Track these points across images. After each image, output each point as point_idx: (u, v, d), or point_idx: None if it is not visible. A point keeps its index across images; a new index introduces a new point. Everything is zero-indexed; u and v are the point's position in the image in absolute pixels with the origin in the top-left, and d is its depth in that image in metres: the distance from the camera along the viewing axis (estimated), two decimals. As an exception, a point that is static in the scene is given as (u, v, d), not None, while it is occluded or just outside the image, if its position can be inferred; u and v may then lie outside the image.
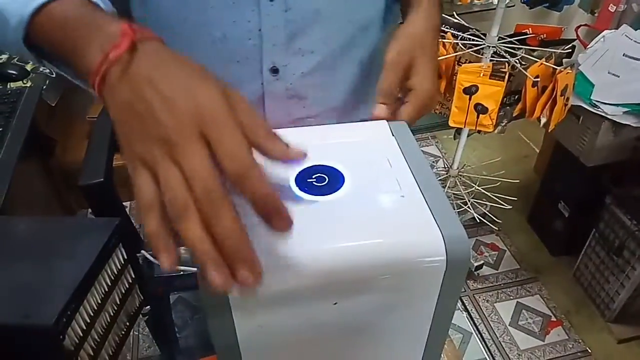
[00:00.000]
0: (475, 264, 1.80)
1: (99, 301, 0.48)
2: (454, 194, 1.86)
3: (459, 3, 1.48)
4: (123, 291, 0.53)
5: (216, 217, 0.27)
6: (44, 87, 1.42)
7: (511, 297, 1.79)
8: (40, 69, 1.47)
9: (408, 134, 0.43)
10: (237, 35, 0.53)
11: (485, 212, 1.84)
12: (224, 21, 0.52)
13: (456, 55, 1.48)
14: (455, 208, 1.85)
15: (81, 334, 0.45)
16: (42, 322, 0.40)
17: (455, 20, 1.56)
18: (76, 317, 0.44)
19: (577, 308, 1.74)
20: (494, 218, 1.87)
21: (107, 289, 0.50)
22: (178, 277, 0.71)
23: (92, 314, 0.47)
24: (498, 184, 1.89)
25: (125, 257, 0.53)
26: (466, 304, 1.76)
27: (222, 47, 0.53)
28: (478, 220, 1.80)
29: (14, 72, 1.44)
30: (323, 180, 0.36)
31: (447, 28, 1.54)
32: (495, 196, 1.82)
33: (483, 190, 1.83)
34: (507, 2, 1.43)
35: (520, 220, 2.02)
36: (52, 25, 0.38)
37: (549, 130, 1.52)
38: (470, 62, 1.55)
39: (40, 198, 1.79)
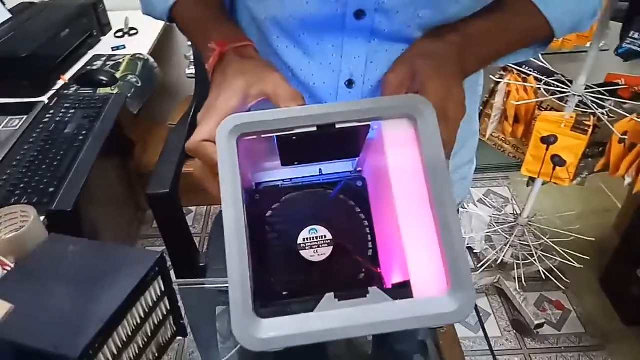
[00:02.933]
0: (536, 322, 1.68)
1: (130, 333, 0.49)
2: (520, 243, 1.76)
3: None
4: (156, 323, 0.54)
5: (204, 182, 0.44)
6: (129, 95, 1.51)
7: (571, 363, 1.65)
8: (128, 78, 1.57)
9: None
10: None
11: (552, 267, 1.72)
12: None
13: (537, 101, 1.41)
14: (521, 259, 1.74)
15: (106, 366, 0.46)
16: (68, 354, 0.41)
17: (540, 64, 1.49)
18: (103, 350, 0.45)
19: (647, 388, 1.58)
20: (562, 276, 1.74)
21: (139, 321, 0.51)
22: (225, 291, 0.72)
23: (120, 346, 0.48)
24: (571, 238, 1.76)
25: (163, 289, 0.54)
26: (520, 364, 1.65)
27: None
28: (544, 276, 1.69)
29: (105, 78, 1.54)
30: None
31: (530, 71, 1.47)
32: (565, 252, 1.70)
33: (553, 245, 1.71)
34: (600, 46, 1.34)
35: (591, 280, 1.87)
36: (181, 23, 0.60)
37: (634, 192, 1.40)
38: (553, 108, 1.46)
39: (117, 195, 1.91)
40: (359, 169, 0.50)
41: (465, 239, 1.78)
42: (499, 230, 1.78)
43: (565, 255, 1.68)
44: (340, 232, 0.46)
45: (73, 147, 1.22)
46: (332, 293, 0.40)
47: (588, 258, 1.68)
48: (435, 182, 0.40)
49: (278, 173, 0.50)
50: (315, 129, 0.41)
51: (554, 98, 1.39)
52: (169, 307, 0.56)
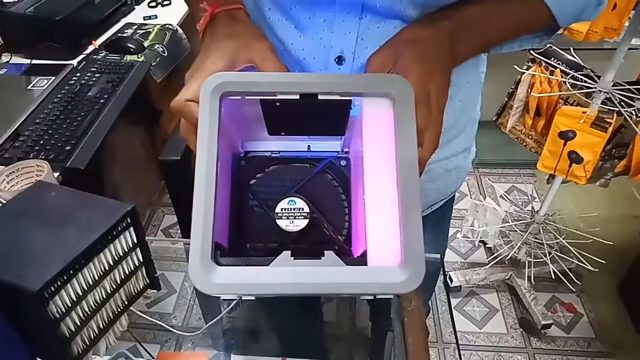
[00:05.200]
0: (543, 322, 1.64)
1: (97, 277, 0.52)
2: (535, 241, 1.72)
3: (576, 39, 1.34)
4: (127, 272, 0.57)
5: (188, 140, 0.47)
6: (154, 63, 1.55)
7: (577, 368, 1.62)
8: (155, 47, 1.61)
9: None
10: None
11: (565, 269, 1.67)
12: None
13: (560, 95, 1.36)
14: (533, 257, 1.70)
15: (69, 304, 0.49)
16: (29, 286, 0.44)
17: (570, 57, 1.43)
18: (66, 287, 0.48)
19: (654, 400, 1.53)
20: (576, 279, 1.69)
21: (107, 268, 0.53)
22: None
23: (85, 288, 0.50)
24: (589, 241, 1.71)
25: (135, 241, 0.56)
26: (522, 362, 1.63)
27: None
28: (553, 277, 1.64)
29: (132, 46, 1.59)
30: None
31: (558, 64, 1.42)
32: (582, 254, 1.65)
33: (569, 246, 1.66)
34: (631, 43, 1.27)
35: (609, 286, 1.81)
36: None
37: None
38: (579, 104, 1.41)
39: (141, 162, 1.97)
40: (345, 149, 0.52)
41: (478, 232, 1.75)
42: (514, 227, 1.74)
43: (581, 257, 1.63)
44: (318, 207, 0.48)
45: (93, 110, 1.27)
46: (289, 252, 0.42)
47: (604, 262, 1.62)
48: (404, 162, 0.41)
49: (267, 144, 0.52)
50: (298, 97, 0.43)
51: (579, 93, 1.34)
52: (141, 260, 0.58)
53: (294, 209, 0.46)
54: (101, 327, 0.54)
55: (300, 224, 0.46)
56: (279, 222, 0.46)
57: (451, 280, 1.78)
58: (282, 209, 0.46)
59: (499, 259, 1.74)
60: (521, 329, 1.72)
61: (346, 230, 0.49)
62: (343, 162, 0.51)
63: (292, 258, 0.41)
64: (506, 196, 2.11)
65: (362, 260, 0.43)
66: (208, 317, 1.14)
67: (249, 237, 0.49)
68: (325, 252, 0.42)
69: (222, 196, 0.43)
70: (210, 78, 0.42)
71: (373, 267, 0.41)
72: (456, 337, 0.69)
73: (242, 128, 0.50)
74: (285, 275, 0.39)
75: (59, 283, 0.47)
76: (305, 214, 0.46)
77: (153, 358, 0.89)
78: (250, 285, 0.39)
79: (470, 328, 1.72)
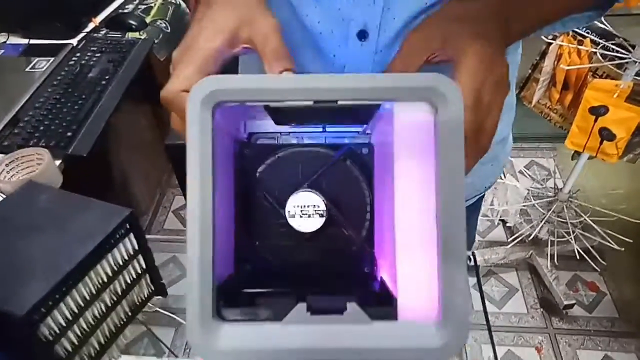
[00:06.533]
0: (565, 302, 1.59)
1: (94, 291, 0.47)
2: (558, 220, 1.65)
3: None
4: (129, 281, 0.52)
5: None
6: (156, 41, 1.47)
7: (600, 348, 1.57)
8: (157, 23, 1.54)
9: None
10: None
11: (589, 248, 1.61)
12: None
13: (590, 67, 1.27)
14: (556, 236, 1.64)
15: (64, 324, 0.44)
16: (15, 310, 0.39)
17: (600, 25, 1.33)
18: (59, 307, 0.43)
19: (681, 382, 1.48)
20: (599, 257, 1.63)
21: (106, 280, 0.48)
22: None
23: (81, 305, 0.46)
24: (614, 219, 1.64)
25: (136, 247, 0.51)
26: (543, 342, 1.58)
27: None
28: (579, 256, 1.58)
29: (134, 22, 1.51)
30: None
31: (587, 32, 1.32)
32: (606, 232, 1.58)
33: (593, 224, 1.59)
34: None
35: (633, 265, 1.74)
36: None
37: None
38: (609, 76, 1.32)
39: (148, 144, 1.92)
40: (368, 131, 0.44)
41: (498, 211, 1.68)
42: (536, 205, 1.67)
43: (605, 236, 1.57)
44: (336, 203, 0.42)
45: (95, 92, 1.21)
46: (305, 304, 0.36)
47: (631, 241, 1.56)
48: (445, 186, 0.33)
49: (275, 126, 0.44)
50: (311, 102, 0.35)
51: (610, 64, 1.24)
52: (144, 267, 0.53)
53: (308, 205, 0.41)
54: (102, 342, 0.50)
55: (316, 223, 0.40)
56: (290, 221, 0.40)
57: (469, 260, 1.73)
58: (294, 206, 0.40)
59: (520, 238, 1.68)
60: (542, 309, 1.67)
61: (366, 230, 0.44)
62: (365, 150, 0.44)
63: (308, 313, 0.35)
64: (525, 171, 2.04)
65: (388, 309, 0.36)
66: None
67: (258, 237, 0.43)
68: (348, 304, 0.36)
69: (225, 189, 0.37)
70: (197, 86, 0.32)
71: (403, 326, 0.35)
72: (488, 323, 0.66)
73: (244, 110, 0.43)
74: (301, 337, 0.33)
75: (51, 303, 0.42)
76: (322, 212, 0.40)
77: (167, 346, 0.86)
78: (261, 351, 0.33)
79: (490, 308, 1.68)
